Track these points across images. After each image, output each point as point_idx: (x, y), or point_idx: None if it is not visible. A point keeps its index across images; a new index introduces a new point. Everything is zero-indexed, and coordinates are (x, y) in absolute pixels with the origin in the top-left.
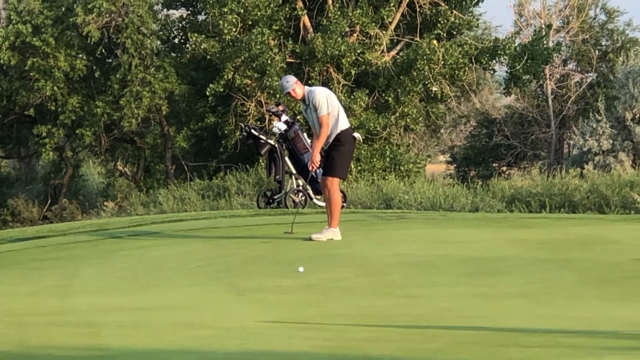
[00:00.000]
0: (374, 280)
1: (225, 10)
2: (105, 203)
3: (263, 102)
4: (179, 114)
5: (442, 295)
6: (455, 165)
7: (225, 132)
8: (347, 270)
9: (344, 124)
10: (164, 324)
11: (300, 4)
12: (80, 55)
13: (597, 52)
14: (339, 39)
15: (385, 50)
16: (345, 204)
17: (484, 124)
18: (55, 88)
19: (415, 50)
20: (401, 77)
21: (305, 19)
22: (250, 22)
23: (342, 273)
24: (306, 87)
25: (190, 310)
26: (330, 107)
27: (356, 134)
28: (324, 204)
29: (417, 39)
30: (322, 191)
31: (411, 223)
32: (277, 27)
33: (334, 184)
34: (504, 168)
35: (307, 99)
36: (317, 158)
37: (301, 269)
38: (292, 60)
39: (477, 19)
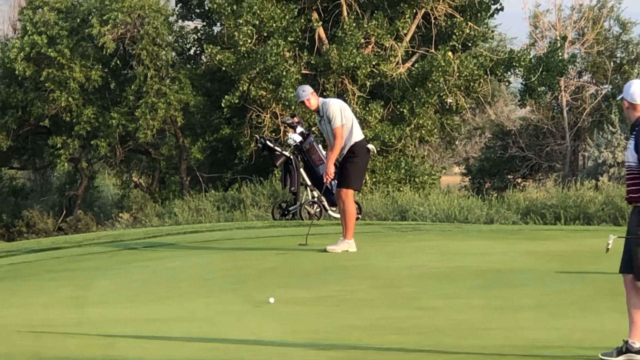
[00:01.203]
0: (388, 292)
1: (241, 21)
2: (120, 214)
3: (278, 114)
4: (194, 126)
5: (456, 307)
6: (470, 177)
7: (241, 143)
8: (362, 282)
9: (358, 135)
10: (178, 336)
11: (315, 16)
12: (96, 67)
13: (612, 63)
14: (354, 50)
15: (400, 61)
16: (360, 216)
17: (499, 136)
18: (70, 99)
19: (431, 62)
20: (416, 89)
21: (321, 31)
22: (265, 34)
23: (357, 285)
24: (320, 99)
25: (205, 322)
26: (344, 119)
27: (370, 146)
28: (339, 216)
29: (432, 50)
30: (337, 203)
31: (426, 235)
32: (293, 39)
33: (349, 196)
34: (519, 180)
35: (322, 110)
36: (332, 170)
37: (272, 300)
38: (307, 72)
39: (493, 31)
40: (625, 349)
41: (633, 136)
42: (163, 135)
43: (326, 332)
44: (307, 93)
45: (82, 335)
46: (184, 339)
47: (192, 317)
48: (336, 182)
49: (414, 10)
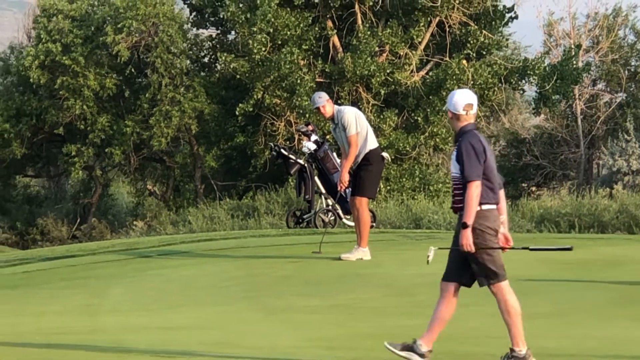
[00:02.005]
0: (402, 300)
1: (255, 29)
2: (135, 222)
3: (292, 122)
4: (209, 134)
5: (470, 315)
6: None
7: (255, 151)
8: (376, 290)
9: (372, 143)
10: (192, 343)
11: (330, 24)
12: (110, 74)
13: (626, 72)
14: (369, 58)
15: (414, 70)
16: (374, 224)
17: (513, 144)
18: (84, 107)
19: (445, 70)
20: (430, 97)
21: (335, 39)
22: (279, 42)
23: (371, 293)
24: (335, 106)
25: (219, 330)
26: (359, 127)
27: (385, 154)
28: (353, 224)
29: (447, 58)
30: (351, 211)
31: (440, 243)
32: (307, 47)
33: (363, 204)
34: (533, 188)
35: (336, 118)
36: (346, 178)
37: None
38: (321, 80)
39: (507, 39)
40: (411, 348)
41: (457, 146)
42: (177, 143)
43: (340, 340)
44: (323, 100)
45: (96, 343)
46: (198, 347)
47: (206, 325)
48: (350, 190)
49: (429, 19)
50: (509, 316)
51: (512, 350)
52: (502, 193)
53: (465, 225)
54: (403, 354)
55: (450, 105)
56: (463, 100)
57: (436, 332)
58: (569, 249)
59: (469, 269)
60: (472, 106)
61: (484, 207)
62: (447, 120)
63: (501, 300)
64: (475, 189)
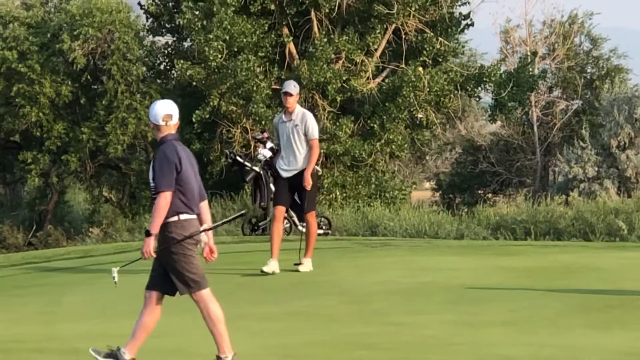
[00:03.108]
0: (357, 307)
1: (211, 37)
2: (91, 229)
3: (248, 129)
4: None
5: (426, 322)
6: (440, 192)
7: (211, 158)
8: (331, 298)
9: None
10: (150, 350)
11: (286, 31)
12: (66, 82)
13: (582, 79)
14: (325, 65)
15: (370, 77)
16: (330, 231)
17: (469, 151)
18: (40, 114)
19: (401, 77)
20: (387, 104)
21: (291, 46)
22: (236, 49)
23: (326, 300)
24: (298, 106)
25: (174, 337)
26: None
27: (317, 167)
28: None
29: (403, 65)
30: (305, 225)
31: (396, 250)
32: (263, 54)
33: (314, 217)
34: (490, 195)
35: (298, 116)
36: (309, 181)
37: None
38: (277, 87)
39: (463, 46)
40: (115, 355)
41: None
42: (133, 150)
43: (296, 348)
44: (297, 90)
45: (51, 351)
46: (155, 354)
47: (164, 333)
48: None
49: (385, 26)
50: (212, 324)
51: (218, 357)
52: (204, 204)
53: (148, 234)
54: None
55: (151, 116)
56: (163, 111)
57: (140, 340)
58: (243, 215)
59: (170, 277)
60: (171, 117)
61: (182, 217)
62: (151, 130)
63: (203, 309)
64: (163, 200)
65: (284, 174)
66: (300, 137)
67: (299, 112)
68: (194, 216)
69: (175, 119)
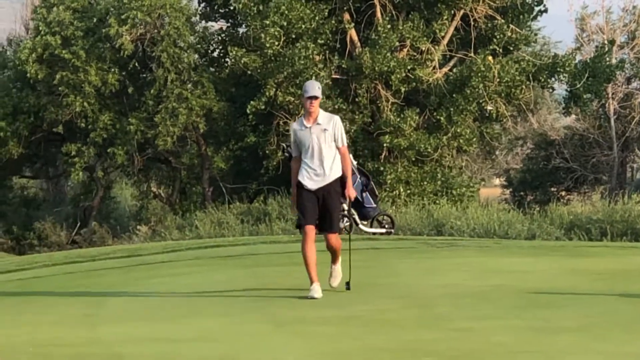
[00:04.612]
0: (420, 312)
1: (268, 22)
2: (138, 227)
3: None
4: (217, 133)
5: (493, 329)
6: (510, 189)
7: (267, 152)
8: (393, 302)
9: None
10: (195, 357)
11: (347, 17)
12: (113, 69)
13: None
14: (388, 54)
15: (437, 66)
16: (393, 230)
17: (541, 146)
18: (85, 104)
19: (469, 67)
20: (454, 95)
21: (353, 33)
22: (293, 36)
23: (387, 304)
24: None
25: (225, 343)
26: None
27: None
28: (370, 230)
29: (472, 54)
30: (330, 247)
31: (463, 251)
32: (322, 41)
33: (339, 238)
34: (563, 193)
35: (326, 120)
36: (353, 192)
37: None
38: (338, 77)
39: (536, 34)
40: None
41: None
42: (184, 143)
43: (354, 354)
44: (321, 92)
45: (93, 355)
46: None
47: (211, 338)
48: (367, 197)
49: (452, 12)
50: None
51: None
52: None
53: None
54: None
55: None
56: None
57: None
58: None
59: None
60: None
61: None
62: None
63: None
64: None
65: (311, 185)
66: (329, 143)
67: (326, 116)
68: None
69: None
